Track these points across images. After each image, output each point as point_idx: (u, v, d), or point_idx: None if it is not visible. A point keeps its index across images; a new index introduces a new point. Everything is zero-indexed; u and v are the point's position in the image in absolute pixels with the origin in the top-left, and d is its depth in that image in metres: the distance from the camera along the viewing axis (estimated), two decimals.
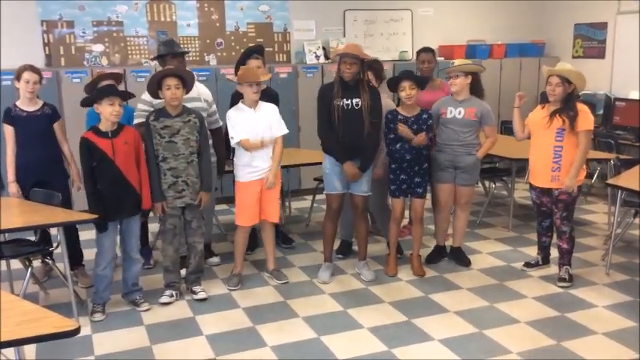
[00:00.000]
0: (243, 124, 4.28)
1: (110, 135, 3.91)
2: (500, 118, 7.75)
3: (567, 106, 4.22)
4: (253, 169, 4.34)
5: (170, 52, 4.59)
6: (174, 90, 4.02)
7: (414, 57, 7.74)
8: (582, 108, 4.25)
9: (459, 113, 4.57)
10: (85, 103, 3.96)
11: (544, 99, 4.38)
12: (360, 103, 4.30)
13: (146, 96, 4.35)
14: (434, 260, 4.93)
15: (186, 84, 4.12)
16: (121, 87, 5.94)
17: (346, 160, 4.34)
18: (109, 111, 3.85)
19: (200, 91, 4.69)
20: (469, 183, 4.74)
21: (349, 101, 4.30)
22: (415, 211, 4.70)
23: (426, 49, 5.44)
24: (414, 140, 4.39)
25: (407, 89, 4.40)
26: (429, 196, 4.76)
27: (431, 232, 5.61)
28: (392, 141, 4.51)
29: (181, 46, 4.76)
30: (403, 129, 4.39)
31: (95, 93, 3.95)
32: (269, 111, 4.41)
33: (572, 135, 4.21)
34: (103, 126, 3.92)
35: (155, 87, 4.07)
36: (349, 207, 4.69)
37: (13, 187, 4.39)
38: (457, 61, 4.61)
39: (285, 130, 4.44)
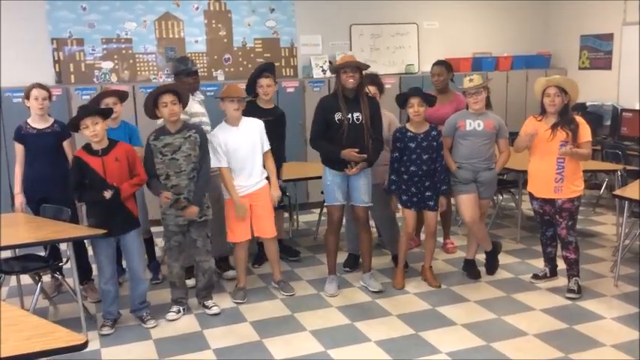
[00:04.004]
0: (227, 144, 4.30)
1: (100, 153, 3.94)
2: (508, 130, 7.74)
3: (567, 117, 4.27)
4: (237, 187, 4.37)
5: (185, 71, 4.68)
6: (171, 106, 4.04)
7: (420, 70, 7.86)
8: (580, 120, 4.32)
9: (479, 125, 4.59)
10: (71, 129, 4.02)
11: (542, 112, 4.39)
12: (360, 117, 4.33)
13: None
14: (473, 275, 4.89)
15: (182, 99, 4.14)
16: (130, 104, 6.06)
17: (340, 151, 4.33)
18: (86, 135, 3.89)
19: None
20: (488, 196, 4.81)
21: (350, 115, 4.32)
22: (428, 225, 4.70)
23: (437, 62, 5.44)
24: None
25: (415, 106, 4.42)
26: None
27: (439, 244, 5.63)
28: (398, 158, 4.53)
29: (193, 61, 4.86)
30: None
31: (70, 122, 3.97)
32: (253, 127, 4.43)
33: (573, 147, 4.24)
34: (93, 145, 3.96)
35: (151, 107, 4.09)
36: (352, 219, 4.71)
37: (19, 198, 4.46)
38: (475, 78, 4.59)
39: (267, 147, 4.48)
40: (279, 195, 4.58)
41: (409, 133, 4.51)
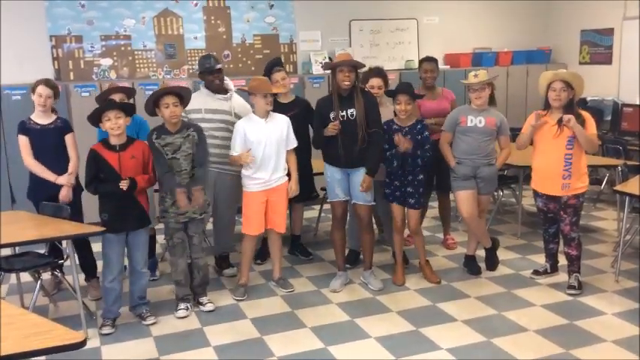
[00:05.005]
0: (252, 135, 4.32)
1: (118, 148, 3.96)
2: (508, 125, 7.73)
3: (572, 112, 4.22)
4: (257, 180, 4.38)
5: (208, 69, 4.71)
6: (172, 108, 4.05)
7: None
8: (585, 114, 4.30)
9: (480, 122, 4.58)
10: (92, 121, 4.01)
11: (545, 106, 4.37)
12: (354, 113, 4.32)
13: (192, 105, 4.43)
14: (474, 271, 4.88)
15: (183, 100, 4.16)
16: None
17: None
18: (107, 126, 3.91)
19: (233, 104, 4.80)
20: (488, 192, 4.81)
21: (344, 112, 4.33)
22: (409, 225, 4.69)
23: (429, 59, 5.41)
24: (400, 145, 4.37)
25: (403, 104, 4.44)
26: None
27: (435, 240, 5.63)
28: (387, 149, 4.53)
29: (217, 58, 4.90)
30: (400, 139, 4.39)
31: (93, 113, 3.96)
32: (281, 123, 4.45)
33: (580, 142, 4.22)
34: (111, 140, 3.97)
35: (152, 106, 4.10)
36: (354, 216, 4.71)
37: (63, 183, 4.37)
38: (481, 74, 4.55)
39: (295, 143, 4.52)
40: (297, 191, 4.55)
41: (394, 126, 4.53)
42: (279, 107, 4.78)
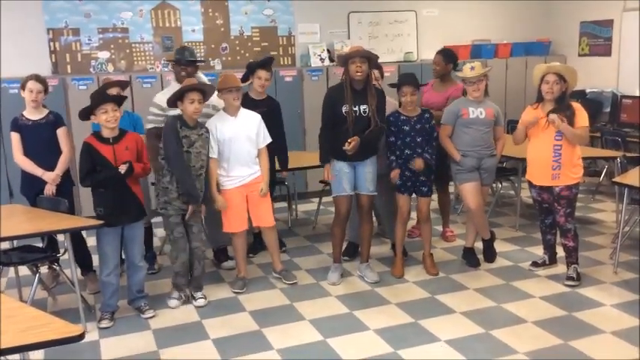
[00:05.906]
0: (223, 133, 4.31)
1: (111, 141, 3.95)
2: (507, 118, 7.71)
3: (563, 104, 4.23)
4: (233, 178, 4.37)
5: (179, 60, 4.70)
6: (197, 104, 4.09)
7: (419, 58, 7.83)
8: (577, 106, 4.30)
9: (481, 113, 4.58)
10: (82, 116, 3.97)
11: (538, 98, 4.37)
12: (367, 110, 4.30)
13: (158, 100, 4.49)
14: (472, 263, 4.87)
15: (205, 98, 4.20)
16: (127, 93, 6.02)
17: (326, 162, 4.44)
18: (103, 119, 3.89)
19: (212, 98, 4.74)
20: (488, 183, 4.85)
21: (357, 107, 4.29)
22: (420, 211, 4.70)
23: (437, 51, 5.37)
24: (417, 167, 4.47)
25: (408, 95, 4.44)
26: (434, 196, 4.75)
27: (434, 232, 5.63)
28: (394, 142, 4.53)
29: (192, 51, 4.90)
30: (418, 164, 4.47)
31: (86, 108, 3.95)
32: (251, 120, 4.42)
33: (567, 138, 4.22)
34: (104, 133, 3.96)
35: (176, 98, 4.11)
36: (356, 208, 4.70)
37: (49, 180, 4.36)
38: (477, 66, 4.52)
39: (267, 141, 4.47)
40: (266, 191, 4.47)
41: (402, 117, 4.52)
42: (249, 102, 4.67)
